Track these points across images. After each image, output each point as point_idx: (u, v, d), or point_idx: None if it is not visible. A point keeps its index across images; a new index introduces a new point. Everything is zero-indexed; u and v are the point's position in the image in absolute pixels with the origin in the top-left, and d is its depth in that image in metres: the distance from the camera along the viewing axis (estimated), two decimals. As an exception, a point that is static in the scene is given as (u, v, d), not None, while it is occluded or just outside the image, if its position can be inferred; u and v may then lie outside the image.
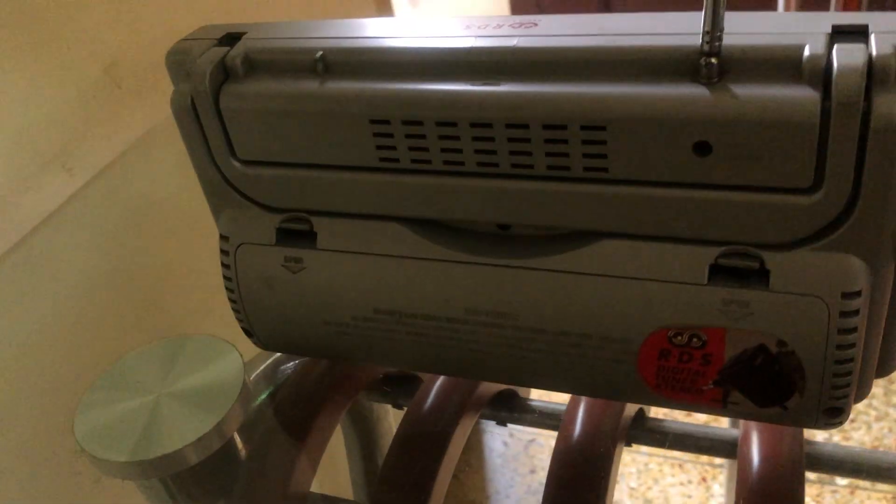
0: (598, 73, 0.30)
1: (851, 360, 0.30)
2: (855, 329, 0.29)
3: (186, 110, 0.35)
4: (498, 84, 0.30)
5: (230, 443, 0.41)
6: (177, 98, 0.35)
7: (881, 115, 0.26)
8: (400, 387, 0.51)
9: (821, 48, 0.27)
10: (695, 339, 0.31)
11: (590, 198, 0.31)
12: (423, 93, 0.31)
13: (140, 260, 0.56)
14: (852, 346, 0.29)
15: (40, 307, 0.49)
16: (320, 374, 0.45)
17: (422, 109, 0.31)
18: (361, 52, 0.33)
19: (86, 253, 0.52)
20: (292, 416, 0.43)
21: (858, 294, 0.29)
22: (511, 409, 0.51)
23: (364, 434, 0.59)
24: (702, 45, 0.28)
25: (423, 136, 0.32)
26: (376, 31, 0.34)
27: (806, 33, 0.28)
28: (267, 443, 0.43)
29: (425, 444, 0.41)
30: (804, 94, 0.27)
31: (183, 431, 0.38)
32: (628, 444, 0.50)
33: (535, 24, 0.32)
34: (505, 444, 1.24)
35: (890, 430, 1.27)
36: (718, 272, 0.31)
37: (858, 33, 0.27)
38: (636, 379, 0.33)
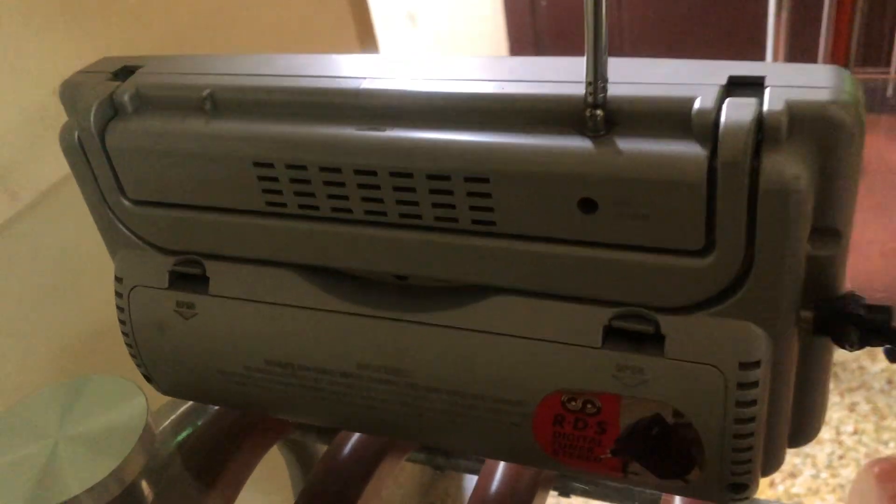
0: (484, 121, 0.28)
1: (752, 434, 0.27)
2: (754, 402, 0.27)
3: (74, 147, 0.33)
4: (383, 130, 0.29)
5: (134, 489, 0.39)
6: (64, 134, 0.33)
7: (770, 176, 0.24)
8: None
9: (711, 102, 0.25)
10: (589, 406, 0.29)
11: (479, 251, 0.29)
12: (307, 136, 0.29)
13: (85, 282, 0.54)
14: (752, 419, 0.27)
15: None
16: (233, 419, 0.43)
17: (305, 153, 0.29)
18: (250, 91, 0.31)
19: (26, 275, 0.50)
20: (201, 461, 0.41)
21: (757, 365, 0.27)
22: (446, 455, 0.49)
23: (306, 470, 0.58)
24: (585, 95, 0.26)
25: (308, 182, 0.30)
26: (274, 69, 0.32)
27: (700, 84, 0.26)
28: (171, 489, 0.41)
29: (341, 487, 0.39)
30: (691, 152, 0.25)
31: (81, 477, 0.36)
32: (566, 495, 0.47)
33: (431, 67, 0.30)
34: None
35: (883, 465, 1.23)
36: (613, 335, 0.28)
37: (754, 86, 0.25)
38: (533, 444, 0.31)
